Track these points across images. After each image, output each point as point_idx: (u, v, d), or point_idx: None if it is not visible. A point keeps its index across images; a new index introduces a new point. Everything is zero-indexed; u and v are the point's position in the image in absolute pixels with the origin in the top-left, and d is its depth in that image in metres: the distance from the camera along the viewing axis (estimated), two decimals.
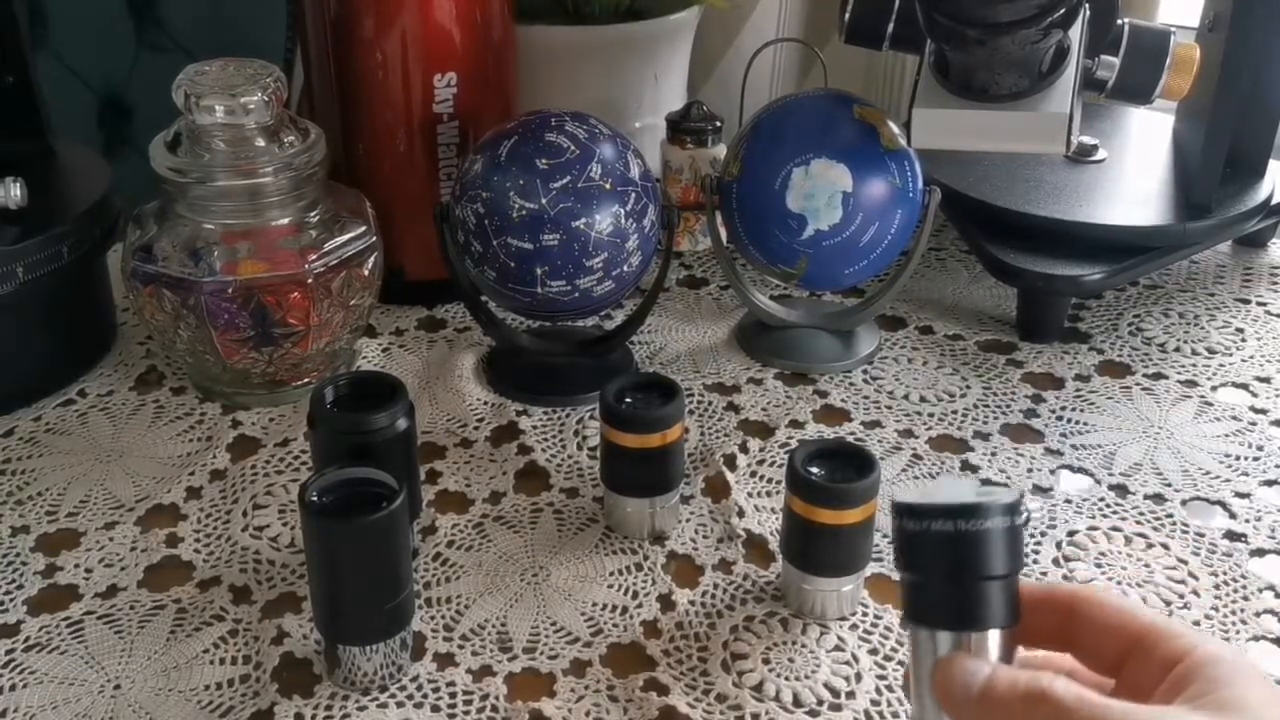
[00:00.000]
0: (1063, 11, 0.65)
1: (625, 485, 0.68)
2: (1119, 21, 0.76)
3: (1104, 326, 0.89)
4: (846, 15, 0.78)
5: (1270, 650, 0.61)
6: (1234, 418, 0.79)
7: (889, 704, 0.58)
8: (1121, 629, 0.42)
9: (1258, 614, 0.63)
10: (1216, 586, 0.65)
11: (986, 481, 0.46)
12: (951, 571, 0.42)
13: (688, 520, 0.70)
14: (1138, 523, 0.70)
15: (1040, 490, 0.72)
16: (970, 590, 0.42)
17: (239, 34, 1.12)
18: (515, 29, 0.89)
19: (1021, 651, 0.43)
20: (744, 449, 0.76)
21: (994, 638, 0.42)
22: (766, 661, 0.60)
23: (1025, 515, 0.45)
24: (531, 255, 0.74)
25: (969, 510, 0.41)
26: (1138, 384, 0.82)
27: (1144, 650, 0.41)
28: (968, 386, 0.82)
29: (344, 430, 0.62)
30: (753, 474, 0.74)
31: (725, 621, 0.63)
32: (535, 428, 0.78)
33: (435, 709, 0.57)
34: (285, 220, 0.76)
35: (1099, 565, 0.66)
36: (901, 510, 0.43)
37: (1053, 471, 0.74)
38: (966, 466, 0.74)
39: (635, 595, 0.64)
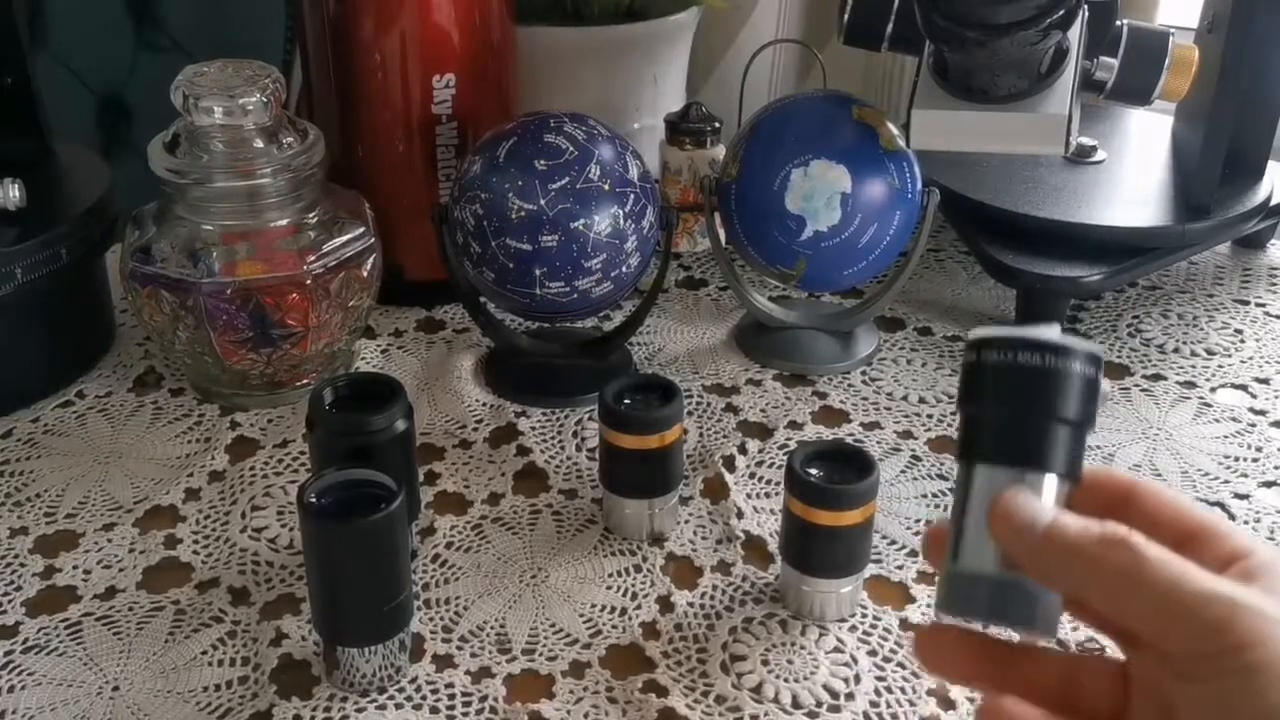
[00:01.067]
0: (1062, 13, 0.65)
1: (624, 486, 0.68)
2: (1118, 23, 0.76)
3: (1103, 327, 0.89)
4: (845, 16, 0.78)
5: None
6: (1233, 419, 0.79)
7: (888, 705, 0.58)
8: (1177, 521, 0.40)
9: None
10: None
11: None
12: (1030, 406, 0.41)
13: (686, 521, 0.70)
14: None
15: None
16: (1045, 428, 0.41)
17: (238, 35, 1.12)
18: (514, 30, 0.89)
19: None
20: (743, 450, 0.76)
21: (1055, 484, 0.41)
22: (765, 663, 0.60)
23: (1104, 379, 0.42)
24: (530, 256, 0.74)
25: (1058, 348, 0.40)
26: (1137, 385, 0.82)
27: (1201, 544, 0.39)
28: None
29: (343, 431, 0.62)
30: (752, 475, 0.74)
31: (724, 623, 0.63)
32: (534, 429, 0.78)
33: (434, 710, 0.57)
34: (284, 221, 0.75)
35: None
36: (984, 341, 0.41)
37: None
38: None
39: (634, 597, 0.64)
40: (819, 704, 0.58)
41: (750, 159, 0.80)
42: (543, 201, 0.74)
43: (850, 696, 0.58)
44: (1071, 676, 0.42)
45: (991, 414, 0.42)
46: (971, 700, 0.58)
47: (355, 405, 0.63)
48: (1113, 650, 0.43)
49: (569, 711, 0.57)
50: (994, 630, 0.42)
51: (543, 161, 0.74)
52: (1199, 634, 0.36)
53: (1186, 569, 0.37)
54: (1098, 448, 0.76)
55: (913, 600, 0.64)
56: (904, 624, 0.62)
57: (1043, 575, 0.39)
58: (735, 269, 0.86)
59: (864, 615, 0.63)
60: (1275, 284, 0.95)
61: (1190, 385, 0.82)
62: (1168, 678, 0.37)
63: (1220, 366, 0.84)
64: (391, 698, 0.58)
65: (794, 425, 0.78)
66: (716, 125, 0.94)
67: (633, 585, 0.65)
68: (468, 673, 0.59)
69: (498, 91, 0.88)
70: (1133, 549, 0.37)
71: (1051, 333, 0.41)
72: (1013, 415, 0.41)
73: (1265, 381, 0.83)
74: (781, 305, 0.87)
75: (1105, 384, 0.42)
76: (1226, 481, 0.73)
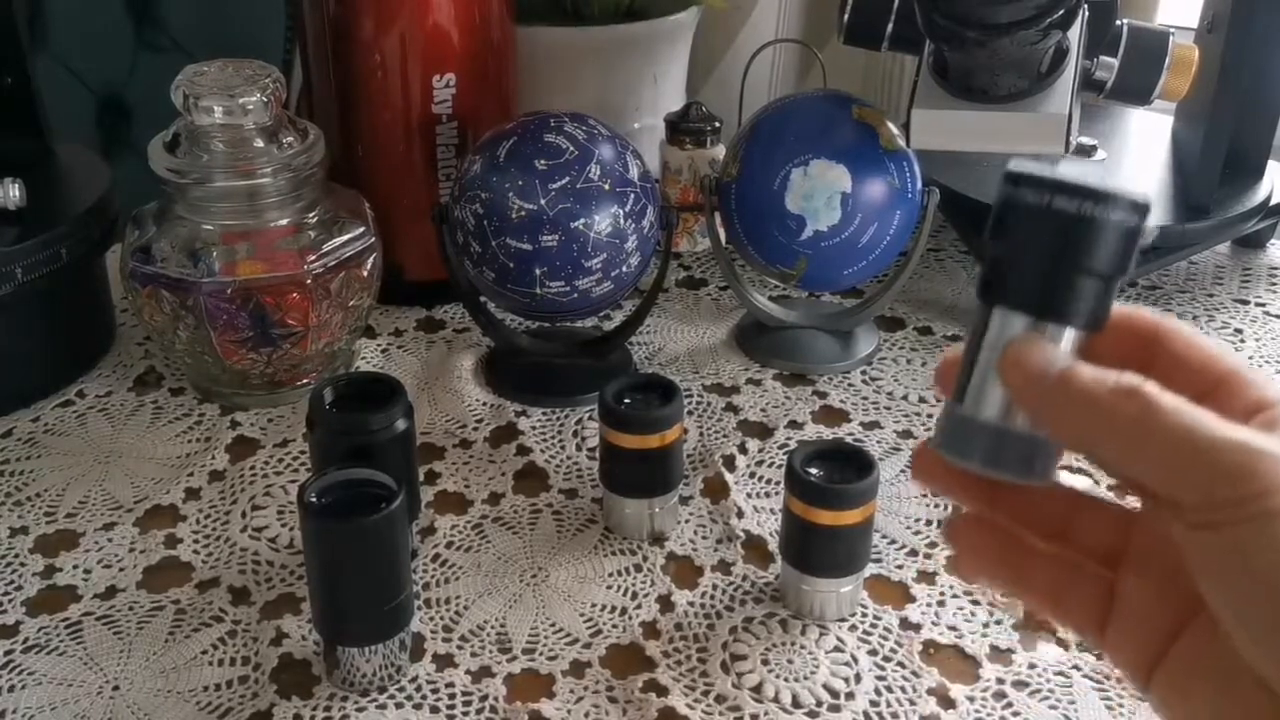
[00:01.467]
0: (1062, 12, 0.65)
1: (624, 486, 0.68)
2: (1118, 22, 0.76)
3: None
4: (845, 16, 0.78)
5: None
6: None
7: (888, 704, 0.58)
8: (1205, 366, 0.38)
9: None
10: None
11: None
12: (1060, 255, 0.38)
13: (687, 521, 0.70)
14: None
15: None
16: (1074, 280, 0.39)
17: (238, 34, 1.12)
18: (514, 30, 0.89)
19: None
20: (743, 450, 0.76)
21: (1073, 336, 0.39)
22: (765, 662, 0.60)
23: (1148, 225, 0.41)
24: (530, 256, 0.74)
25: (1100, 195, 0.38)
26: None
27: (1227, 392, 0.37)
28: None
29: (343, 431, 0.62)
30: (752, 475, 0.74)
31: (724, 622, 0.63)
32: (534, 428, 0.78)
33: (434, 710, 0.57)
34: (284, 221, 0.76)
35: None
36: (1021, 177, 0.39)
37: None
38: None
39: (634, 596, 0.64)
40: (819, 703, 0.58)
41: (750, 159, 0.80)
42: (543, 201, 0.74)
43: (850, 696, 0.58)
44: (1068, 513, 0.41)
45: (1019, 257, 0.39)
46: (972, 699, 0.58)
47: (355, 405, 0.63)
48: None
49: (569, 711, 0.57)
50: None
51: (543, 161, 0.74)
52: (1216, 481, 0.34)
53: (1202, 417, 0.35)
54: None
55: (913, 600, 0.64)
56: (904, 623, 0.62)
57: (1054, 425, 0.38)
58: (735, 268, 0.86)
59: (864, 615, 0.63)
60: (1275, 284, 0.95)
61: None
62: (1180, 530, 0.35)
63: None
64: (392, 697, 0.58)
65: (794, 425, 0.78)
66: (716, 125, 0.94)
67: (633, 585, 0.65)
68: (468, 672, 0.59)
69: (498, 91, 0.88)
70: (1146, 397, 0.35)
71: (1094, 176, 0.38)
72: (1041, 263, 0.39)
73: None
74: (781, 305, 0.87)
75: (1149, 229, 0.39)
76: None
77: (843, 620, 0.63)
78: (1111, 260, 0.39)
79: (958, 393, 0.40)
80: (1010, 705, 0.58)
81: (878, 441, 0.77)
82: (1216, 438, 0.34)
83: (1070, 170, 0.38)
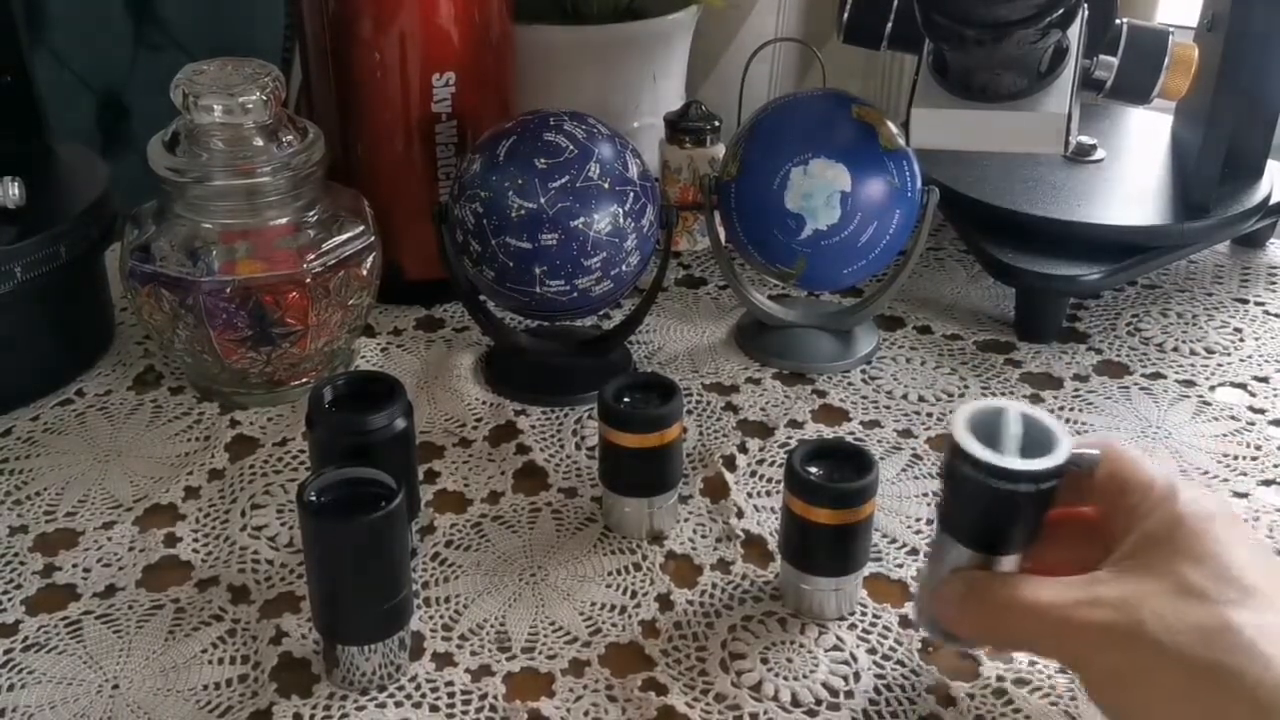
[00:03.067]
0: (1061, 11, 0.65)
1: (624, 485, 0.68)
2: (1117, 21, 0.76)
3: (1102, 326, 0.89)
4: (845, 15, 0.78)
5: None
6: (1232, 417, 0.79)
7: (888, 704, 0.58)
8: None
9: None
10: None
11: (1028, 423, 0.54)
12: (995, 518, 0.52)
13: (686, 520, 0.70)
14: None
15: None
16: (1006, 532, 0.52)
17: (237, 33, 1.12)
18: (514, 28, 0.89)
19: None
20: (743, 449, 0.76)
21: (1014, 560, 0.53)
22: (765, 661, 0.60)
23: (1056, 483, 0.52)
24: (530, 255, 0.74)
25: (1022, 476, 0.50)
26: (1136, 384, 0.82)
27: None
28: (966, 386, 0.82)
29: (342, 430, 0.62)
30: (751, 474, 0.74)
31: (724, 621, 0.63)
32: (533, 427, 0.78)
33: (434, 709, 0.57)
34: (283, 220, 0.75)
35: None
36: (963, 454, 0.51)
37: None
38: None
39: (634, 595, 0.64)
40: (818, 702, 0.58)
41: (750, 158, 0.80)
42: (542, 200, 0.74)
43: (850, 694, 0.58)
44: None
45: (963, 512, 0.53)
46: (972, 697, 0.58)
47: (355, 404, 0.63)
48: None
49: (569, 710, 0.57)
50: None
51: (542, 160, 0.74)
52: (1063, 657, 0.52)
53: (1017, 592, 0.51)
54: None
55: (912, 598, 0.64)
56: (904, 622, 0.62)
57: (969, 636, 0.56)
58: (735, 267, 0.86)
59: (864, 613, 0.63)
60: (1274, 283, 0.95)
61: (1189, 384, 0.82)
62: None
63: (1219, 365, 0.84)
64: (391, 696, 0.58)
65: (794, 424, 0.78)
66: (716, 124, 0.94)
67: (632, 583, 0.65)
68: (467, 671, 0.59)
69: (497, 90, 0.88)
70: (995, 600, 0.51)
71: (1013, 437, 0.52)
72: (977, 519, 0.53)
73: (1264, 380, 0.83)
74: (781, 304, 0.87)
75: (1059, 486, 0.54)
76: (1225, 480, 0.73)
77: (842, 619, 0.63)
78: (1029, 517, 0.52)
79: (920, 582, 0.57)
80: (1011, 702, 0.58)
81: (878, 440, 0.77)
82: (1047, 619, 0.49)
83: (999, 457, 0.51)
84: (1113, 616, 0.47)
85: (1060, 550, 0.53)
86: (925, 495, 0.72)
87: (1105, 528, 0.52)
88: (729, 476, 0.73)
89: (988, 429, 0.52)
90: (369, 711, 0.57)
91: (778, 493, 0.71)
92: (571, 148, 0.75)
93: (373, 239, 0.79)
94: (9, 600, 0.64)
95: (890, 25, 0.77)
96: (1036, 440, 0.52)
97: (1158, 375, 0.83)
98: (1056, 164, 0.94)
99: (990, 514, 0.52)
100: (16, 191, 0.77)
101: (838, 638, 0.61)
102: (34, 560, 0.66)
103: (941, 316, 0.90)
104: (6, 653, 0.60)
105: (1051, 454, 0.51)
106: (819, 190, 0.77)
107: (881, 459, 0.74)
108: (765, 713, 0.57)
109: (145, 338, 0.86)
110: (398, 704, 0.58)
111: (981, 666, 0.60)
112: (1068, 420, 0.79)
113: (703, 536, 0.69)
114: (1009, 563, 0.53)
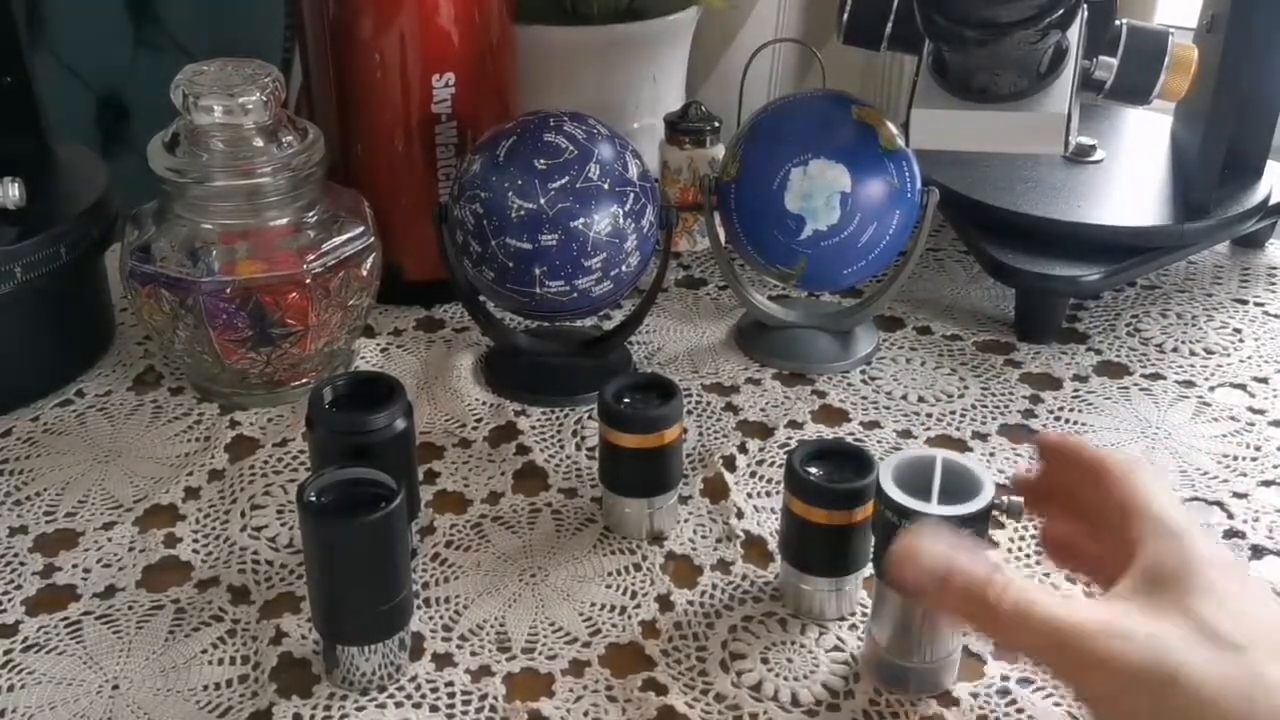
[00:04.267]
0: (1061, 12, 0.65)
1: (624, 485, 0.68)
2: (1117, 22, 0.76)
3: (1102, 327, 0.89)
4: (845, 15, 0.78)
5: None
6: (1232, 418, 0.79)
7: (887, 704, 0.58)
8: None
9: None
10: None
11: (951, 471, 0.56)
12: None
13: (686, 520, 0.70)
14: None
15: None
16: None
17: (237, 34, 1.12)
18: (513, 29, 0.89)
19: None
20: (743, 449, 0.76)
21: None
22: (765, 661, 0.60)
23: (979, 527, 0.54)
24: (530, 255, 0.74)
25: (913, 515, 0.54)
26: (1135, 384, 0.82)
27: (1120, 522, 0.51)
28: (966, 387, 0.82)
29: (342, 430, 0.62)
30: (751, 474, 0.74)
31: (724, 621, 0.63)
32: (533, 428, 0.78)
33: (434, 709, 0.57)
34: (283, 220, 0.75)
35: None
36: (878, 488, 0.56)
37: None
38: None
39: (634, 595, 0.64)
40: (818, 702, 0.58)
41: (750, 158, 0.80)
42: (542, 200, 0.74)
43: (850, 695, 0.58)
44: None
45: (879, 541, 0.56)
46: (975, 696, 0.58)
47: (355, 404, 0.63)
48: None
49: (569, 710, 0.57)
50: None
51: (542, 160, 0.74)
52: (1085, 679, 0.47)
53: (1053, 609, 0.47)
54: (1097, 447, 0.76)
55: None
56: None
57: (948, 612, 0.53)
58: (735, 268, 0.86)
59: (864, 614, 0.63)
60: (1274, 283, 0.95)
61: (1189, 384, 0.82)
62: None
63: (1219, 366, 0.84)
64: (391, 696, 0.58)
65: (794, 424, 0.78)
66: (716, 124, 0.94)
67: (632, 584, 0.65)
68: (467, 671, 0.59)
69: (497, 91, 0.88)
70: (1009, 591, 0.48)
71: (934, 507, 0.54)
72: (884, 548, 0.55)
73: (1264, 380, 0.83)
74: (781, 304, 0.87)
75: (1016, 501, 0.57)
76: (1225, 480, 0.73)
77: (842, 619, 0.63)
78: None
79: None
80: (1014, 702, 0.58)
81: (877, 441, 0.77)
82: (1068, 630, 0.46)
83: (943, 471, 0.55)
84: (1144, 658, 0.44)
85: (1073, 523, 0.56)
86: None
87: (1109, 546, 0.51)
88: (729, 477, 0.73)
89: (916, 477, 0.55)
90: (369, 712, 0.57)
91: (778, 493, 0.71)
92: (571, 148, 0.75)
93: (372, 239, 0.79)
94: (9, 601, 0.64)
95: (890, 26, 0.77)
96: (962, 487, 0.55)
97: (1157, 376, 0.83)
98: (1056, 164, 0.94)
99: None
100: (16, 192, 0.77)
101: (838, 638, 0.61)
102: (34, 561, 0.66)
103: (941, 317, 0.90)
104: (6, 653, 0.60)
105: (974, 499, 0.54)
106: (819, 191, 0.77)
107: (881, 459, 0.74)
108: (765, 713, 0.57)
109: (145, 338, 0.86)
110: (398, 704, 0.58)
111: (986, 665, 0.60)
112: (1067, 421, 0.79)
113: (703, 537, 0.69)
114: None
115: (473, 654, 0.60)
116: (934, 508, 0.54)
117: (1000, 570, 0.48)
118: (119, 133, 1.11)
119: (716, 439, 0.77)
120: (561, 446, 0.76)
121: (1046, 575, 0.65)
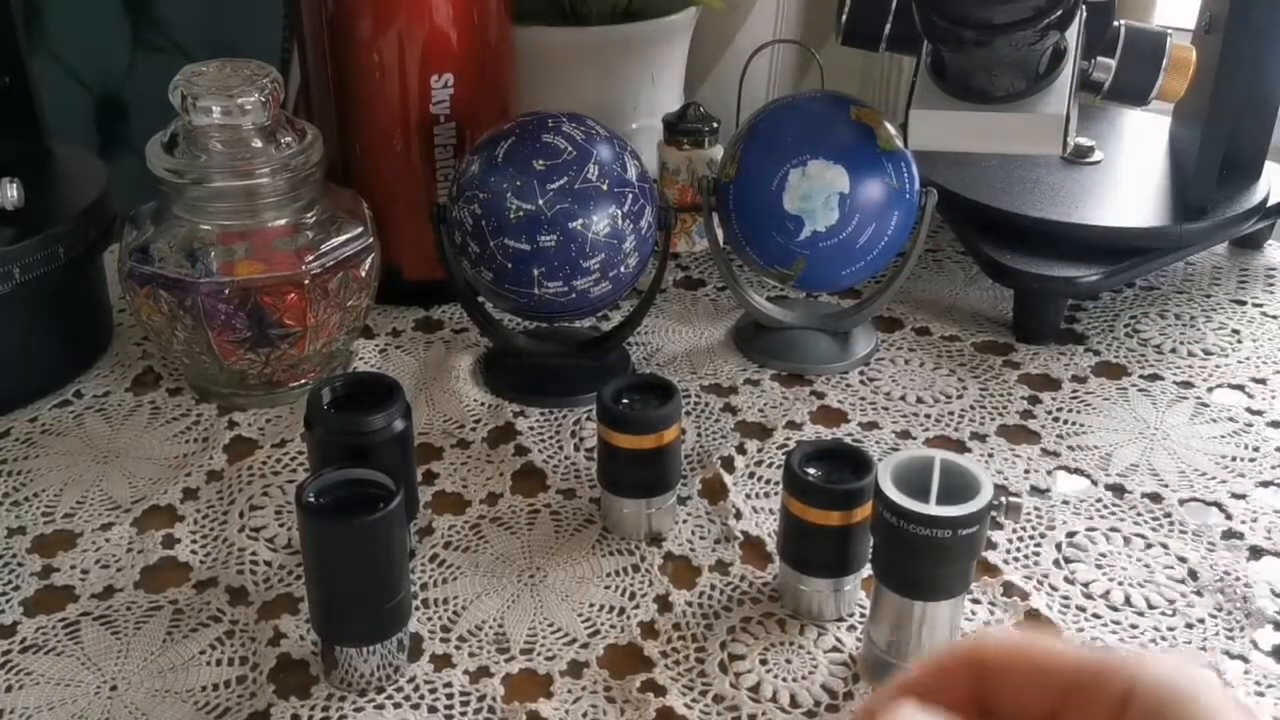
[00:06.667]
0: (1059, 13, 0.65)
1: (622, 486, 0.68)
2: (1115, 23, 0.76)
3: (1100, 328, 0.89)
4: (843, 17, 0.79)
5: (1270, 635, 0.61)
6: (1230, 419, 0.79)
7: None
8: (1044, 690, 0.34)
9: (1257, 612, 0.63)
10: (1222, 590, 0.65)
11: (951, 473, 0.56)
12: (904, 558, 0.55)
13: (685, 521, 0.70)
14: (1135, 523, 0.70)
15: (1037, 491, 0.72)
16: (917, 576, 0.56)
17: (236, 34, 1.12)
18: (512, 30, 0.89)
19: None
20: (741, 450, 0.76)
21: (941, 607, 0.56)
22: (764, 662, 0.60)
23: (977, 528, 0.54)
24: (528, 256, 0.74)
25: (911, 516, 0.54)
26: (1134, 385, 0.82)
27: (1079, 704, 0.33)
28: (964, 388, 0.82)
29: (341, 431, 0.62)
30: (750, 475, 0.74)
31: (722, 622, 0.63)
32: (532, 429, 0.78)
33: (432, 710, 0.57)
34: (282, 221, 0.75)
35: (1099, 566, 0.66)
36: (876, 488, 0.55)
37: (1049, 472, 0.74)
38: None
39: (632, 596, 0.64)
40: (817, 703, 0.58)
41: (748, 159, 0.80)
42: (541, 201, 0.74)
43: (849, 695, 0.58)
44: None
45: (889, 557, 0.57)
46: None
47: (353, 405, 0.63)
48: None
49: (567, 711, 0.57)
50: None
51: (541, 161, 0.74)
52: None
53: None
54: (1095, 448, 0.76)
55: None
56: None
57: None
58: (733, 269, 0.86)
59: (862, 615, 0.63)
60: (1272, 284, 0.95)
61: (1187, 385, 0.82)
62: None
63: (1217, 367, 0.84)
64: (390, 697, 0.58)
65: (792, 425, 0.78)
66: (714, 125, 0.94)
67: (631, 585, 0.65)
68: (466, 672, 0.59)
69: (496, 91, 0.88)
70: None
71: (933, 508, 0.54)
72: (906, 564, 0.56)
73: (1262, 381, 0.83)
74: (779, 305, 0.87)
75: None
76: (1224, 481, 0.73)
77: (841, 620, 0.63)
78: (954, 562, 0.55)
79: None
80: None
81: (876, 442, 0.77)
82: None
83: (942, 471, 0.55)
84: None
85: None
86: None
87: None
88: (727, 478, 0.73)
89: (915, 478, 0.55)
90: (367, 713, 0.57)
91: (776, 494, 0.71)
92: (570, 149, 0.75)
93: (371, 240, 0.79)
94: (7, 602, 0.64)
95: (889, 27, 0.77)
96: (960, 487, 0.55)
97: (1156, 377, 0.83)
98: (1054, 165, 0.94)
99: (915, 560, 0.55)
100: (15, 192, 0.77)
101: (836, 639, 0.61)
102: (32, 562, 0.66)
103: (940, 318, 0.90)
104: (4, 654, 0.60)
105: (972, 500, 0.54)
106: (817, 191, 0.77)
107: (880, 460, 0.74)
108: (764, 714, 0.57)
109: (144, 339, 0.86)
110: (396, 705, 0.58)
111: None
112: (1067, 421, 0.79)
113: (701, 538, 0.69)
114: (942, 609, 0.56)
115: (471, 655, 0.60)
116: (932, 508, 0.54)
117: None
118: (118, 133, 1.11)
119: (715, 440, 0.77)
120: (560, 447, 0.76)
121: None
